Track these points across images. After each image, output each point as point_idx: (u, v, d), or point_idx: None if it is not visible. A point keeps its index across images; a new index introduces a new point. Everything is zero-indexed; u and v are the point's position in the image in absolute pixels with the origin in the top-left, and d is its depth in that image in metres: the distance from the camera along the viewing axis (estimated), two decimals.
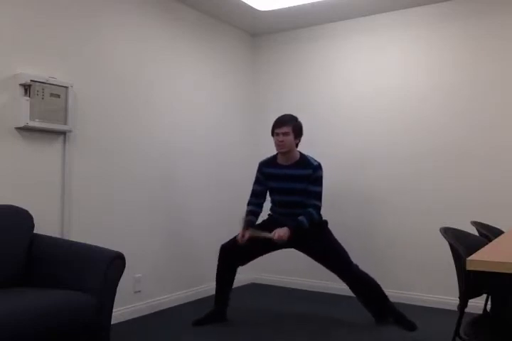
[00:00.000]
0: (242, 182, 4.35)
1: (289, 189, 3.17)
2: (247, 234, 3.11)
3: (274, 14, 4.05)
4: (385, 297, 3.18)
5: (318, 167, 3.16)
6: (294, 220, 3.09)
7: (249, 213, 3.27)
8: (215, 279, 3.28)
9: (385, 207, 3.93)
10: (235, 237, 3.20)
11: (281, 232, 3.01)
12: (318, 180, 3.15)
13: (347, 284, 3.20)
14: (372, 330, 3.09)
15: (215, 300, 3.28)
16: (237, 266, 3.28)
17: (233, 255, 3.22)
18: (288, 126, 3.12)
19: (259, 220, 3.35)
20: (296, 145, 3.21)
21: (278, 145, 3.15)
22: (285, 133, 3.11)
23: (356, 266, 3.17)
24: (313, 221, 3.12)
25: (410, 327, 3.08)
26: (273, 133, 3.19)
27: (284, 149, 3.15)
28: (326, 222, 3.29)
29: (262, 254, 3.32)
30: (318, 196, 3.16)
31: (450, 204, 3.65)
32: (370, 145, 4.01)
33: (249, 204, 3.33)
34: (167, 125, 3.66)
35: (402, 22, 3.90)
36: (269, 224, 3.19)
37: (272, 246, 3.19)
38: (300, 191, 3.15)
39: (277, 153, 3.25)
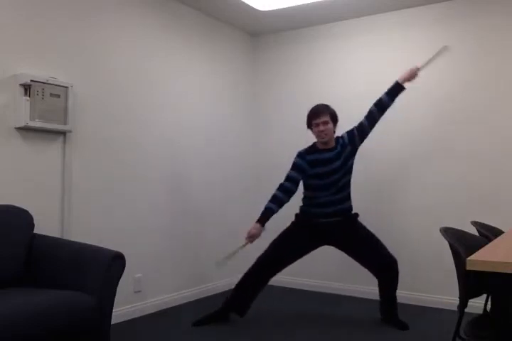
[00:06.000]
0: (242, 182, 4.35)
1: (333, 169, 3.15)
2: (258, 230, 3.04)
3: (274, 14, 4.05)
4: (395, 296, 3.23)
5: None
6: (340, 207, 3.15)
7: (272, 199, 3.11)
8: (235, 284, 3.25)
9: (385, 207, 3.93)
10: (275, 247, 3.19)
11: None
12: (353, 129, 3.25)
13: (380, 279, 3.18)
14: (373, 330, 3.09)
15: (230, 304, 3.21)
16: (271, 278, 3.25)
17: (274, 268, 3.20)
18: (326, 115, 3.14)
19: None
20: (334, 132, 3.22)
21: (319, 135, 3.15)
22: (324, 122, 3.12)
23: (396, 261, 3.17)
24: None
25: (403, 326, 3.11)
26: (310, 125, 3.19)
27: (327, 138, 3.16)
28: (356, 215, 3.26)
29: (297, 259, 3.28)
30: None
31: (450, 204, 3.65)
32: (370, 145, 4.00)
33: (280, 187, 3.16)
34: (167, 125, 3.66)
35: (402, 22, 3.90)
36: (301, 224, 3.21)
37: (306, 249, 3.22)
38: (342, 169, 3.16)
39: (313, 143, 3.26)
